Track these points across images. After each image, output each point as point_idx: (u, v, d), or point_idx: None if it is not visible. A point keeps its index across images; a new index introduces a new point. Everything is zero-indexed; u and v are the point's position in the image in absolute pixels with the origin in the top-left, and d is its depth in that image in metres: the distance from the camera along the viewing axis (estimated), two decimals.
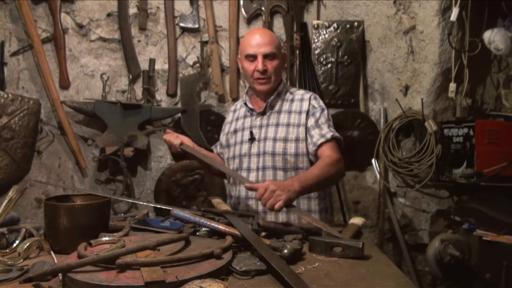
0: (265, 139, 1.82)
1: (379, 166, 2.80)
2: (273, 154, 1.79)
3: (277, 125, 1.83)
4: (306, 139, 1.80)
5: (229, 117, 2.06)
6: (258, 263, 1.12)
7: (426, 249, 2.37)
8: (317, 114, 1.82)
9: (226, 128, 2.02)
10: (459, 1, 2.44)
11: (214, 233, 1.36)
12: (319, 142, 1.76)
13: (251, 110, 1.91)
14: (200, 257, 1.09)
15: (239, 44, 1.92)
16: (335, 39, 2.83)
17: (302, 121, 1.81)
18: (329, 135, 1.77)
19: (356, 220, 1.57)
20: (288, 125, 1.82)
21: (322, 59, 2.84)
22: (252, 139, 1.84)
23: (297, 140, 1.79)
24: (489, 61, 2.76)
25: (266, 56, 1.78)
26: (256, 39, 1.79)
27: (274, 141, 1.80)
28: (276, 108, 1.87)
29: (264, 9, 2.81)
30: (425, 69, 2.65)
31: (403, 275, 1.12)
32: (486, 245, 2.13)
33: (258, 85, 1.84)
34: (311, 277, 1.07)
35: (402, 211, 2.85)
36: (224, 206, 1.62)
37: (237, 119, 1.97)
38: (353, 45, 2.83)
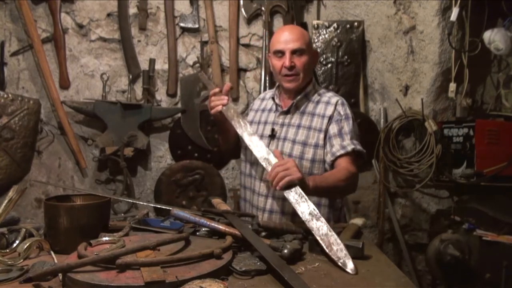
0: (285, 139, 1.78)
1: (379, 166, 2.80)
2: (290, 156, 1.74)
3: (298, 126, 1.78)
4: (324, 146, 1.74)
5: (255, 104, 2.00)
6: (258, 263, 1.12)
7: (426, 249, 2.37)
8: (342, 123, 1.74)
9: (250, 114, 1.97)
10: (459, 1, 2.44)
11: (214, 233, 1.36)
12: (338, 154, 1.68)
13: (277, 106, 1.86)
14: (200, 257, 1.09)
15: (270, 43, 1.86)
16: (335, 39, 2.83)
17: (324, 126, 1.75)
18: (349, 148, 1.68)
19: (356, 220, 1.57)
20: (309, 128, 1.76)
21: (322, 59, 2.84)
22: (272, 136, 1.80)
23: (316, 146, 1.74)
24: (489, 61, 2.76)
25: (294, 52, 1.72)
26: (285, 36, 1.74)
27: (293, 143, 1.76)
28: (301, 108, 1.81)
29: (264, 9, 2.81)
30: (425, 69, 2.65)
31: (403, 275, 1.12)
32: (486, 245, 2.13)
33: (285, 83, 1.78)
34: (311, 277, 1.07)
35: (402, 211, 2.85)
36: (224, 206, 1.62)
37: (263, 110, 1.92)
38: (353, 45, 2.83)
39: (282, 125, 1.81)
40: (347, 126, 1.74)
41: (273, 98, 1.89)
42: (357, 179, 1.72)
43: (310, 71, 1.83)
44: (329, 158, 1.71)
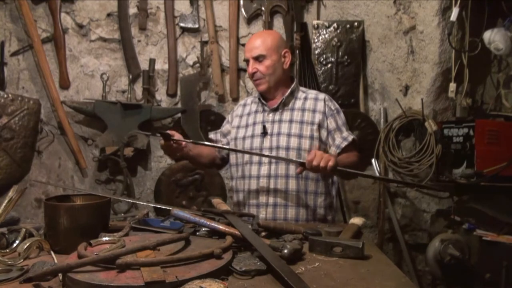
0: (279, 134, 1.84)
1: (379, 166, 2.80)
2: (287, 148, 1.81)
3: (290, 121, 1.86)
4: (320, 139, 1.85)
5: (237, 110, 2.04)
6: (258, 263, 1.11)
7: (426, 249, 2.36)
8: (336, 117, 1.89)
9: (235, 121, 2.00)
10: (459, 1, 2.44)
11: (214, 233, 1.36)
12: (343, 145, 1.85)
13: (264, 105, 1.93)
14: (200, 257, 1.09)
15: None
16: (335, 39, 2.83)
17: (316, 119, 1.85)
18: (350, 138, 1.86)
19: (356, 220, 1.57)
20: (301, 122, 1.85)
21: (322, 59, 2.84)
22: (264, 133, 1.86)
23: (311, 137, 1.83)
24: (489, 61, 2.76)
25: (256, 59, 1.83)
26: (249, 43, 1.87)
27: (288, 136, 1.83)
28: (289, 105, 1.90)
29: (264, 9, 2.81)
30: (425, 69, 2.65)
31: (403, 275, 1.12)
32: (486, 245, 2.13)
33: (256, 86, 1.90)
34: (311, 277, 1.07)
35: (402, 211, 2.85)
36: (224, 206, 1.62)
37: (248, 114, 1.98)
38: (353, 45, 2.83)
39: (273, 121, 1.88)
40: (340, 119, 1.91)
41: (259, 99, 1.96)
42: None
43: (278, 71, 1.89)
44: (334, 151, 1.85)
